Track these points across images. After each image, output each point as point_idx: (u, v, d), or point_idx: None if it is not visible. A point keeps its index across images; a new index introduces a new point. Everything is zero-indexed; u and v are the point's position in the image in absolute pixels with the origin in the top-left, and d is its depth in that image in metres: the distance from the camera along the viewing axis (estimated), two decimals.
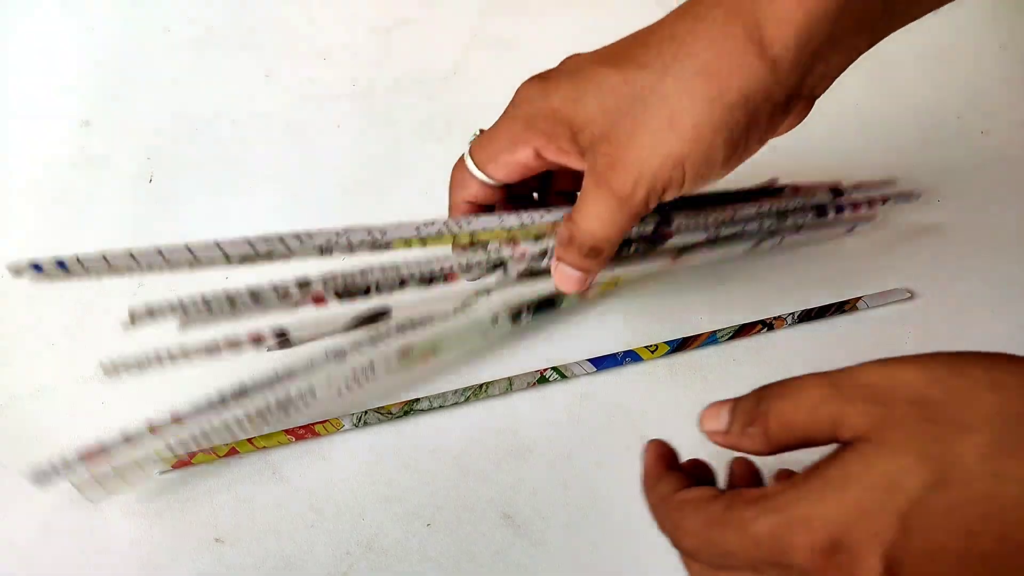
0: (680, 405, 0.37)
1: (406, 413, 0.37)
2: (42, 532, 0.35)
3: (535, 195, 0.37)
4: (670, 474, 0.28)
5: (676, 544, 0.26)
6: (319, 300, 0.34)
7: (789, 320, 0.40)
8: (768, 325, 0.40)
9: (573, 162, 0.31)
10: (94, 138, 0.46)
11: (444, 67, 0.48)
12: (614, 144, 0.29)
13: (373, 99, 0.47)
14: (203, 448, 0.35)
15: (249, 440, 0.36)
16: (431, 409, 0.38)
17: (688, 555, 0.26)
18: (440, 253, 0.35)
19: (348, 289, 0.34)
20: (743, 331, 0.40)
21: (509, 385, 0.38)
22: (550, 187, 0.37)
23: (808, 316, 0.40)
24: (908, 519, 0.21)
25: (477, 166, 0.33)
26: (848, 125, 0.46)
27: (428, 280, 0.34)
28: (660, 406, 0.38)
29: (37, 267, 0.31)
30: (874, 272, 0.42)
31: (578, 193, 0.31)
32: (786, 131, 0.31)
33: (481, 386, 0.38)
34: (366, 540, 0.35)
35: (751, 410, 0.25)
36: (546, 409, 0.38)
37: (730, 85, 0.27)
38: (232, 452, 0.36)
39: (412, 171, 0.45)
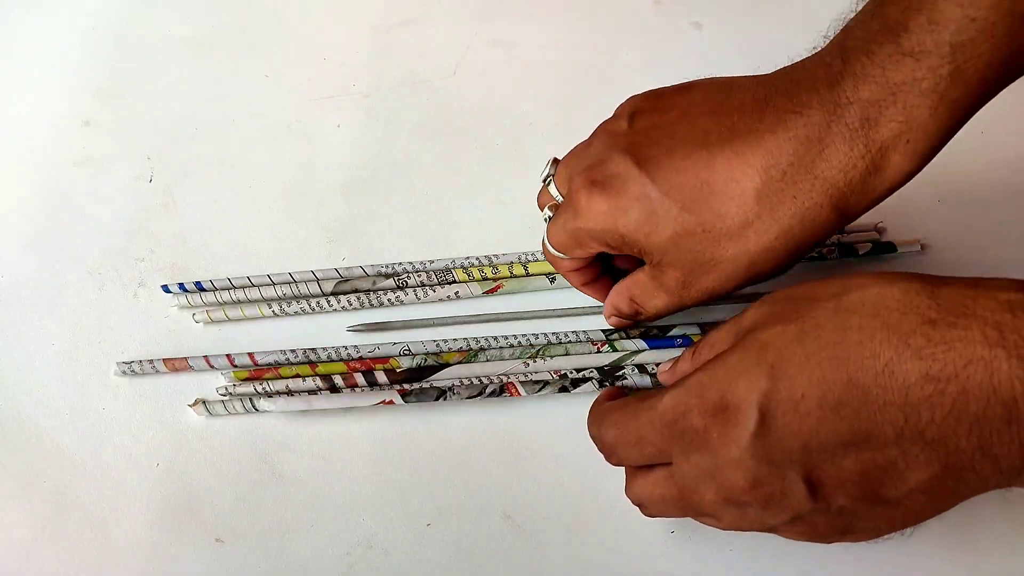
0: None
1: (468, 362, 0.38)
2: (42, 532, 0.35)
3: None
4: (609, 396, 0.33)
5: (601, 444, 0.31)
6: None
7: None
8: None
9: (636, 255, 0.33)
10: (94, 138, 0.46)
11: (444, 67, 0.48)
12: (687, 275, 0.31)
13: (373, 99, 0.47)
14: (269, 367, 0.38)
15: (310, 364, 0.38)
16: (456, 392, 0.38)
17: (609, 451, 0.31)
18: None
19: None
20: None
21: (566, 351, 0.38)
22: None
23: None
24: (775, 369, 0.25)
25: (556, 249, 0.34)
26: None
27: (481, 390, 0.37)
28: None
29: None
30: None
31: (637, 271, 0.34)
32: None
33: (543, 347, 0.38)
34: (366, 540, 0.35)
35: (689, 352, 0.32)
36: (547, 409, 0.38)
37: (807, 241, 0.30)
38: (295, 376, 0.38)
39: (412, 171, 0.45)
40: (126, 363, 0.38)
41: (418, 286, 0.39)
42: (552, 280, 0.39)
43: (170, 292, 0.40)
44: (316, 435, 0.37)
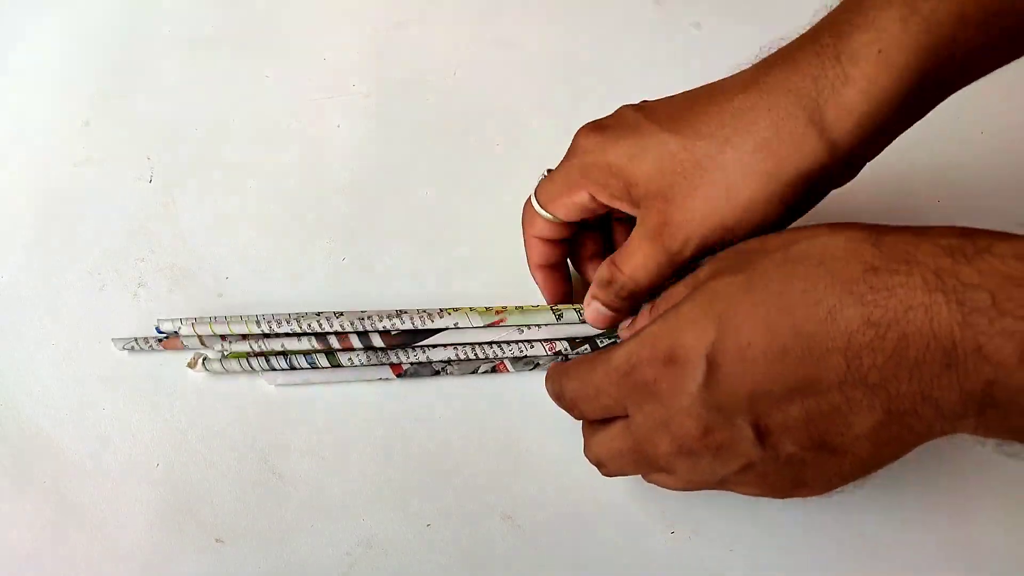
0: None
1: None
2: (42, 532, 0.35)
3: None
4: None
5: (561, 399, 0.31)
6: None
7: None
8: None
9: (624, 208, 0.32)
10: (94, 138, 0.46)
11: (444, 67, 0.48)
12: (669, 203, 0.30)
13: (373, 99, 0.47)
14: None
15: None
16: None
17: (571, 405, 0.31)
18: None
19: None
20: None
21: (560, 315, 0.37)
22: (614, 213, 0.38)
23: None
24: (723, 319, 0.25)
25: (541, 205, 0.34)
26: None
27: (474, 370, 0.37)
28: None
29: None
30: None
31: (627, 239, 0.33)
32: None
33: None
34: (366, 540, 0.35)
35: (646, 314, 0.32)
36: (548, 410, 0.38)
37: (788, 163, 0.28)
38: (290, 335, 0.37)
39: (412, 171, 0.45)
40: (124, 339, 0.39)
41: (416, 314, 0.37)
42: (559, 316, 0.37)
43: (163, 334, 0.39)
44: (316, 435, 0.37)
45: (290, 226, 0.43)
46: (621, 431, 0.29)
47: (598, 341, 0.37)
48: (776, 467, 0.27)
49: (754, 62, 0.31)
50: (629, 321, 0.34)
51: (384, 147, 0.46)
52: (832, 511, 0.35)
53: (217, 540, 0.35)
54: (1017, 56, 0.29)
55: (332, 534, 0.35)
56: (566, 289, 0.38)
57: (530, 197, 0.35)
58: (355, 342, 0.37)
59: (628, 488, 0.36)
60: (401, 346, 0.37)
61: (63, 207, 0.44)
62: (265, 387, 0.38)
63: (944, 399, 0.23)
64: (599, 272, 0.33)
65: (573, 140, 0.33)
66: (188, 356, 0.39)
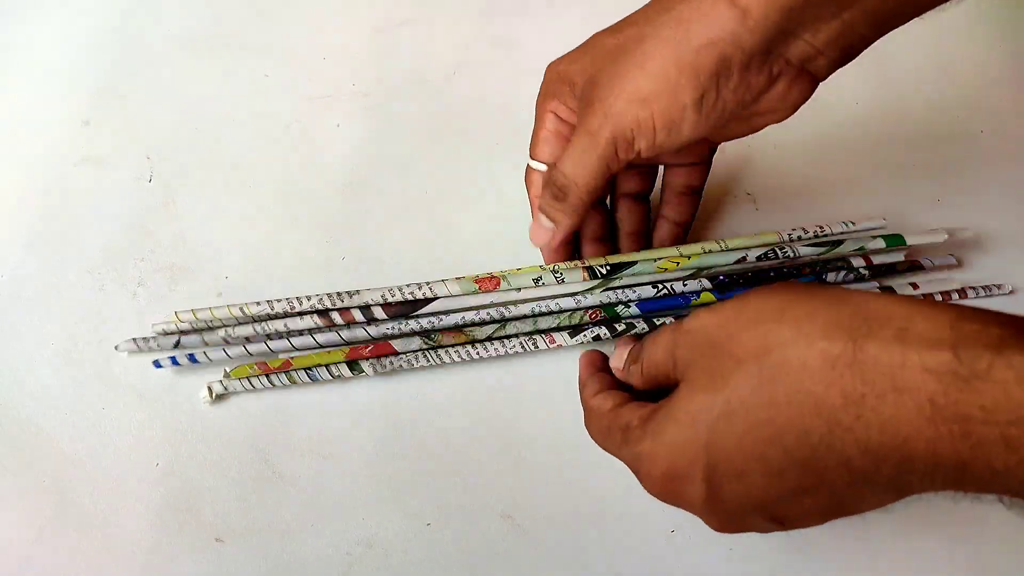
0: None
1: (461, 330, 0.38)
2: (42, 532, 0.35)
3: (608, 201, 0.40)
4: (592, 377, 0.33)
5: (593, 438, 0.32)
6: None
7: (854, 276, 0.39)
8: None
9: (570, 103, 0.34)
10: (94, 138, 0.46)
11: (444, 67, 0.48)
12: (596, 87, 0.31)
13: (373, 99, 0.47)
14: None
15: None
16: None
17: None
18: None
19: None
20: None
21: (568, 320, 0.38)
22: (616, 191, 0.39)
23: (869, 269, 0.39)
24: (710, 448, 0.25)
25: (531, 157, 0.35)
26: (847, 124, 0.46)
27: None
28: None
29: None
30: None
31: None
32: (781, 111, 0.32)
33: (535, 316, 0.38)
34: (366, 540, 0.35)
35: (635, 352, 0.31)
36: (548, 410, 0.38)
37: (698, 31, 0.29)
38: (286, 365, 0.37)
39: (411, 171, 0.45)
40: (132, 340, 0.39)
41: (411, 288, 0.38)
42: (555, 274, 0.37)
43: (161, 367, 0.38)
44: (316, 435, 0.37)
45: (290, 225, 0.43)
46: None
47: (600, 333, 0.37)
48: (799, 527, 0.27)
49: None
50: (621, 351, 0.32)
51: (383, 147, 0.46)
52: None
53: (217, 540, 0.35)
54: None
55: (332, 534, 0.35)
56: (569, 255, 0.39)
57: (528, 163, 0.36)
58: (357, 316, 0.37)
59: (628, 488, 0.36)
60: (402, 316, 0.37)
61: (63, 207, 0.44)
62: (265, 387, 0.38)
63: (959, 481, 0.22)
64: (543, 177, 0.35)
65: None
66: (191, 384, 0.39)
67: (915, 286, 0.40)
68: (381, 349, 0.37)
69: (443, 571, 0.35)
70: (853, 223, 0.40)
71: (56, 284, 0.41)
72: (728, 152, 0.45)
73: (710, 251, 0.38)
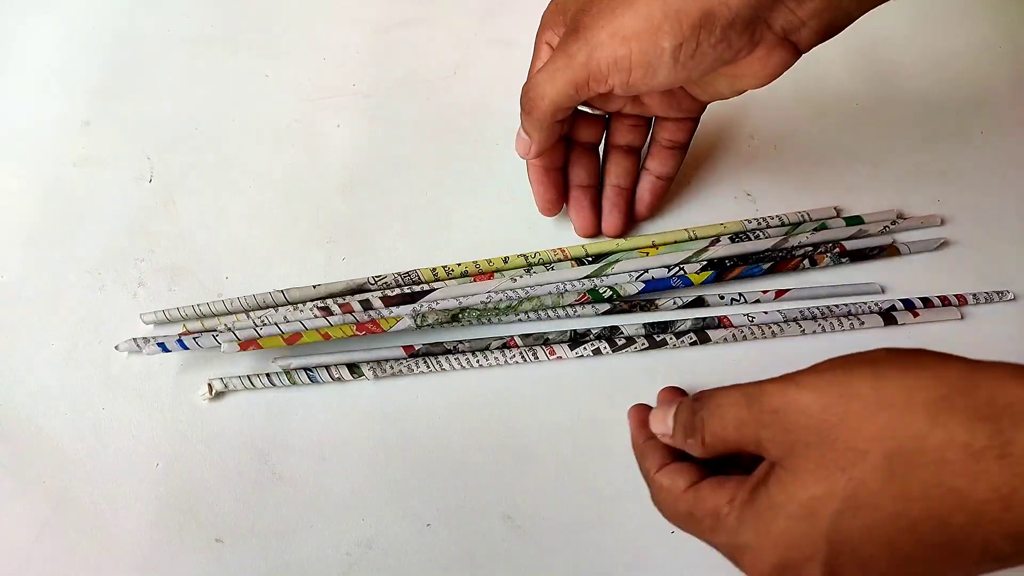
0: None
1: (454, 319, 0.39)
2: (42, 532, 0.35)
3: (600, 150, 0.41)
4: (650, 447, 0.30)
5: (666, 517, 0.30)
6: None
7: (829, 257, 0.41)
8: (811, 259, 0.41)
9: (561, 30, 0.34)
10: (94, 138, 0.46)
11: (444, 67, 0.48)
12: (584, 15, 0.32)
13: (373, 99, 0.47)
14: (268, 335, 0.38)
15: (318, 330, 0.38)
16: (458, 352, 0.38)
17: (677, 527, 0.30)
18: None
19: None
20: (783, 264, 0.41)
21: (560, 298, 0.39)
22: (609, 141, 0.40)
23: (845, 255, 0.41)
24: (833, 541, 0.24)
25: (541, 85, 0.35)
26: (847, 123, 0.46)
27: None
28: None
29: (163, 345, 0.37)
30: (869, 271, 0.42)
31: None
32: (761, 76, 0.32)
33: (527, 300, 0.39)
34: (366, 540, 0.35)
35: (688, 423, 0.28)
36: (548, 409, 0.38)
37: None
38: (295, 337, 0.37)
39: (412, 171, 0.45)
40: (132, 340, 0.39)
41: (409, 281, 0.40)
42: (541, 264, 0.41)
43: (169, 351, 0.38)
44: (316, 435, 0.37)
45: (290, 226, 0.43)
46: None
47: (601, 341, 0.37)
48: None
49: None
50: (667, 424, 0.30)
51: (383, 147, 0.46)
52: None
53: (217, 540, 0.35)
54: None
55: (332, 534, 0.35)
56: (558, 196, 0.41)
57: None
58: (356, 306, 0.39)
59: (628, 488, 0.36)
60: (400, 303, 0.39)
61: (63, 207, 0.44)
62: (265, 386, 0.38)
63: None
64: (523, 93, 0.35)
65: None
66: (191, 385, 0.39)
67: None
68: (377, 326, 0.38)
69: (443, 572, 0.35)
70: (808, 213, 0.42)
71: (56, 284, 0.41)
72: (729, 151, 0.45)
73: (679, 240, 0.41)
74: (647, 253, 0.41)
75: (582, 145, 0.40)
